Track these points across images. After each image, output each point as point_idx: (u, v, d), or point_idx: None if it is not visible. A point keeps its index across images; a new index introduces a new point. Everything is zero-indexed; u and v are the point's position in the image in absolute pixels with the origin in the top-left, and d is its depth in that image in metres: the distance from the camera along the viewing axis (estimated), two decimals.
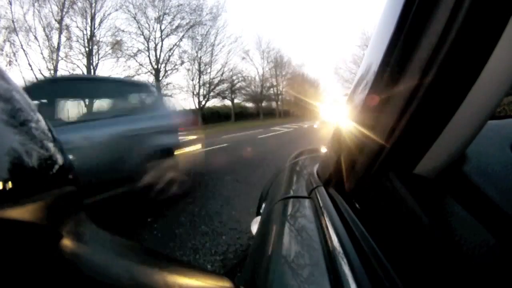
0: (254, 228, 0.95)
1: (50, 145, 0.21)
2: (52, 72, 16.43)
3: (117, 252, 0.21)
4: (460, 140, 0.31)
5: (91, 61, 18.36)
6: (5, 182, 0.15)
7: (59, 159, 0.22)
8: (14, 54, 15.82)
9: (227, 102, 31.50)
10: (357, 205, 0.46)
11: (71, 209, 0.22)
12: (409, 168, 0.35)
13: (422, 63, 0.29)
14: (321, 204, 0.57)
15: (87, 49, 18.07)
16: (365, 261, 0.32)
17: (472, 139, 0.31)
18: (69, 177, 0.23)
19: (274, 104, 38.08)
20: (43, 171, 0.19)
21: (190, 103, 24.71)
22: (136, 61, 20.59)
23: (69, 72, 17.38)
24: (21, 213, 0.16)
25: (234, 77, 28.45)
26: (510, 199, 0.27)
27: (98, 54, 18.92)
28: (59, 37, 16.89)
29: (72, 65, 17.86)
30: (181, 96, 27.35)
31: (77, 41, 17.85)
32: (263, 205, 1.06)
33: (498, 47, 0.25)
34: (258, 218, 0.94)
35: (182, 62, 23.17)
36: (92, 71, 18.39)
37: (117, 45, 19.29)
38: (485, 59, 0.26)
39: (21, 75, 16.31)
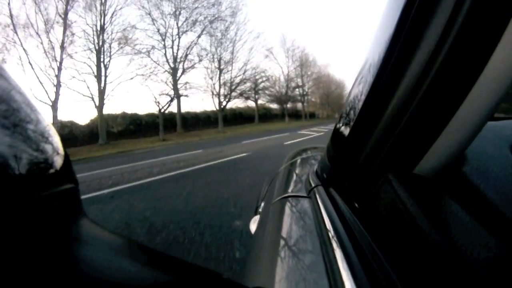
0: (253, 227, 0.92)
1: (50, 143, 0.21)
2: (56, 71, 15.14)
3: (116, 251, 0.21)
4: (459, 140, 0.31)
5: (102, 59, 17.00)
6: (4, 181, 0.16)
7: (59, 157, 0.22)
8: (8, 51, 14.57)
9: (251, 103, 29.74)
10: (356, 205, 0.46)
11: (70, 207, 0.22)
12: (409, 168, 0.35)
13: (423, 62, 0.29)
14: (320, 204, 0.57)
15: (96, 46, 16.70)
16: (364, 260, 0.33)
17: (472, 139, 0.32)
18: (68, 175, 0.23)
19: (299, 105, 36.00)
20: (43, 169, 0.20)
21: (210, 104, 23.05)
22: (151, 59, 19.00)
23: (77, 71, 16.08)
24: (20, 211, 0.16)
25: (257, 76, 26.41)
26: (509, 199, 0.28)
27: (110, 52, 17.55)
28: (64, 33, 15.51)
29: (82, 64, 16.59)
30: (198, 96, 25.72)
31: (87, 39, 16.50)
32: (262, 204, 1.03)
33: (498, 47, 0.25)
34: (257, 217, 0.94)
35: (200, 60, 21.45)
36: (103, 69, 17.04)
37: (124, 41, 17.67)
38: (485, 59, 0.26)
39: (24, 74, 15.12)
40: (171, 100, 19.10)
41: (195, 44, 20.96)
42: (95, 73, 16.63)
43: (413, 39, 0.30)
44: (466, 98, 0.28)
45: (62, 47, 15.35)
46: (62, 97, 14.89)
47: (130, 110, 22.14)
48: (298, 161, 1.24)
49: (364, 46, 0.54)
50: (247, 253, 0.90)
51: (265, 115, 31.76)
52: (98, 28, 16.63)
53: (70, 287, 0.17)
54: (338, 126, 0.56)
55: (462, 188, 0.32)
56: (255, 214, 1.09)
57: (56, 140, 0.23)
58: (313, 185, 0.70)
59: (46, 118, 0.23)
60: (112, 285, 0.18)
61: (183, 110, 22.57)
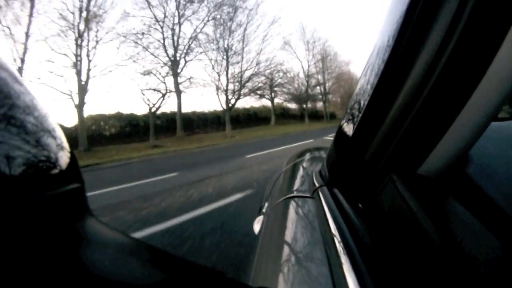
0: (257, 227, 0.91)
1: (55, 140, 0.21)
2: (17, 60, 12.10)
3: (122, 250, 0.21)
4: (463, 141, 0.32)
5: (85, 47, 14.01)
6: (9, 181, 0.15)
7: (65, 155, 0.21)
8: None
9: (267, 103, 26.30)
10: (360, 206, 0.47)
11: (77, 206, 0.22)
12: (412, 169, 0.36)
13: (427, 63, 0.29)
14: (324, 204, 0.57)
15: (76, 32, 13.65)
16: (368, 260, 0.33)
17: (475, 140, 0.32)
18: (74, 173, 0.23)
19: (318, 105, 32.36)
20: (49, 168, 0.19)
21: (217, 103, 19.41)
22: (143, 47, 15.81)
23: (51, 61, 13.14)
24: (26, 212, 0.16)
25: (273, 69, 22.56)
26: None
27: (97, 40, 14.52)
28: (31, 14, 12.43)
29: (59, 54, 13.61)
30: (200, 91, 22.42)
31: (68, 26, 13.46)
32: (266, 204, 1.01)
33: (502, 48, 0.25)
34: (261, 218, 0.94)
35: (202, 47, 18.08)
36: (88, 62, 14.07)
37: (92, 18, 14.34)
38: (489, 60, 0.26)
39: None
40: (163, 96, 15.77)
41: (196, 35, 17.64)
42: (74, 61, 13.62)
43: (416, 42, 0.30)
44: (470, 99, 0.28)
45: (27, 35, 12.34)
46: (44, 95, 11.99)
47: (127, 110, 19.48)
48: (303, 161, 1.23)
49: (369, 46, 0.47)
50: (250, 253, 0.65)
51: (282, 115, 28.33)
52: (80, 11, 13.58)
53: (77, 287, 0.17)
54: (342, 126, 0.56)
55: (466, 189, 0.33)
56: (259, 214, 1.05)
57: (62, 136, 0.22)
58: (317, 185, 0.70)
59: (51, 112, 0.22)
60: (119, 284, 0.18)
61: (190, 109, 19.54)
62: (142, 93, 15.07)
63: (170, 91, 16.26)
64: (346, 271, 0.33)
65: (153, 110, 15.43)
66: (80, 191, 0.23)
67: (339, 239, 0.40)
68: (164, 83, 16.06)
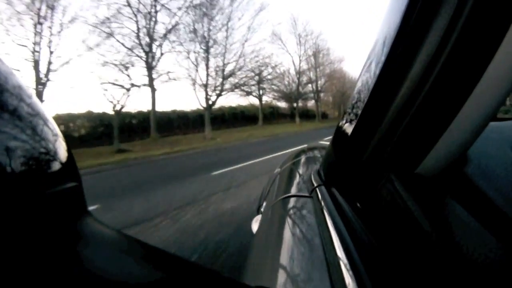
0: (255, 226, 0.91)
1: (53, 139, 0.21)
2: None
3: (119, 249, 0.21)
4: (462, 141, 0.32)
5: (45, 36, 12.22)
6: (7, 179, 0.15)
7: (63, 154, 0.21)
8: None
9: (255, 101, 24.80)
10: (358, 205, 0.47)
11: (74, 205, 0.22)
12: (411, 168, 0.36)
13: (425, 63, 0.29)
14: (322, 204, 0.57)
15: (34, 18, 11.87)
16: (365, 260, 0.33)
17: (474, 140, 0.32)
18: (72, 172, 0.23)
19: (309, 104, 31.06)
20: (47, 167, 0.19)
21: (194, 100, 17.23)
22: (110, 33, 14.00)
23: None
24: (24, 210, 0.16)
25: (260, 61, 20.80)
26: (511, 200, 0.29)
27: (61, 26, 12.75)
28: None
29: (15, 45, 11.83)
30: (174, 87, 20.20)
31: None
32: (264, 204, 1.03)
33: (500, 48, 0.25)
34: (259, 217, 0.93)
35: (178, 35, 16.28)
36: (49, 54, 12.31)
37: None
38: (488, 60, 0.26)
39: None
40: (128, 91, 14.07)
41: (175, 25, 15.86)
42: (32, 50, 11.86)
43: (415, 40, 0.30)
44: (469, 98, 0.28)
45: None
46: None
47: (99, 109, 17.90)
48: (301, 160, 1.22)
49: (368, 44, 0.47)
50: (248, 252, 0.67)
51: (271, 115, 26.94)
52: None
53: (74, 285, 0.17)
54: (340, 126, 0.56)
55: (464, 189, 0.33)
56: (257, 213, 1.05)
57: (60, 135, 0.22)
58: (315, 184, 0.69)
59: (48, 111, 0.22)
60: (116, 283, 0.18)
61: (170, 107, 17.83)
62: (104, 88, 13.23)
63: (134, 86, 14.54)
64: (344, 270, 0.33)
65: (117, 108, 13.63)
66: (78, 190, 0.23)
67: (337, 238, 0.40)
68: (128, 75, 14.22)
